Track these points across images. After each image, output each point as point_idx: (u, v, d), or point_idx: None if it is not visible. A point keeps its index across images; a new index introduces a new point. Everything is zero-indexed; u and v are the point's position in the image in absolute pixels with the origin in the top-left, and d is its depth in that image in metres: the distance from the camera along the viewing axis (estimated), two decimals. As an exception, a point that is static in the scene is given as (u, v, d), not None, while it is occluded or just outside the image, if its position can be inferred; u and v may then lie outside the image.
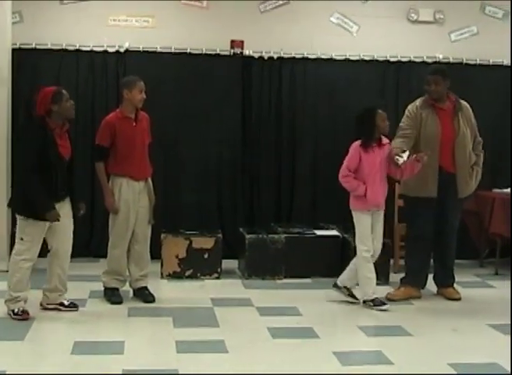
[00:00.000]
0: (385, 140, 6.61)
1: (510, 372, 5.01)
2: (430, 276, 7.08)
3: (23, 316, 5.92)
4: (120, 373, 4.85)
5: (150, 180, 6.66)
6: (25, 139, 5.99)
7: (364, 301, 6.63)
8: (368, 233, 6.56)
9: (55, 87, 6.14)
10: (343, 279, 6.77)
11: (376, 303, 6.57)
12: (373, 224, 6.60)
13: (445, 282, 7.03)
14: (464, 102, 6.85)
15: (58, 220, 5.86)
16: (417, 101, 6.88)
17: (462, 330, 6.01)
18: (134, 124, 6.51)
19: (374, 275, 6.60)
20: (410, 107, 6.90)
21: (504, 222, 7.89)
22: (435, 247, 6.97)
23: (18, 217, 5.97)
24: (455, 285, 7.06)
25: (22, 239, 5.93)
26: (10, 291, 5.98)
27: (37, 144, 5.82)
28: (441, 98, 6.75)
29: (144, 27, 8.38)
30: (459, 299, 6.92)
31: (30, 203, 5.83)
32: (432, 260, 7.11)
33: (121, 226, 6.49)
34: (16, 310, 5.93)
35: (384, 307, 6.54)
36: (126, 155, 6.42)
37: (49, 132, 5.88)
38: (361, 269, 6.59)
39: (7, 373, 4.79)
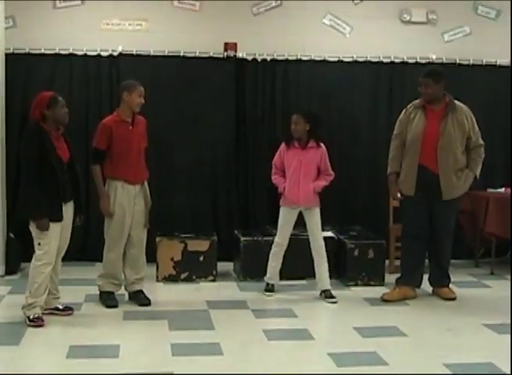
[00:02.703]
0: (311, 143, 6.89)
1: (506, 372, 5.01)
2: (425, 276, 7.10)
3: (37, 322, 5.91)
4: (115, 376, 4.86)
5: (146, 183, 6.66)
6: (24, 145, 5.98)
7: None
8: (284, 227, 6.96)
9: (51, 92, 6.15)
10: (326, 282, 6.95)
11: (269, 289, 7.09)
12: (305, 222, 6.94)
13: (440, 282, 7.04)
14: (460, 105, 6.82)
15: (47, 229, 5.85)
16: (412, 103, 6.92)
17: (457, 330, 6.02)
18: (131, 128, 6.51)
19: (274, 264, 7.05)
20: (403, 109, 6.96)
21: (499, 221, 7.89)
22: (430, 247, 6.99)
23: (31, 224, 5.92)
24: (450, 285, 7.07)
25: (39, 244, 5.92)
26: (28, 298, 5.95)
27: (36, 148, 5.82)
28: (433, 101, 6.75)
29: (137, 31, 8.38)
30: (454, 299, 6.93)
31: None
32: (427, 260, 7.13)
33: (116, 230, 6.49)
34: (31, 317, 5.92)
35: (271, 293, 7.04)
36: (122, 158, 6.42)
37: (46, 135, 5.89)
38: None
39: (2, 378, 4.80)
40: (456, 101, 6.82)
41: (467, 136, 6.77)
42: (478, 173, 6.87)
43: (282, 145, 6.99)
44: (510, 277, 7.73)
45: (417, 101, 6.89)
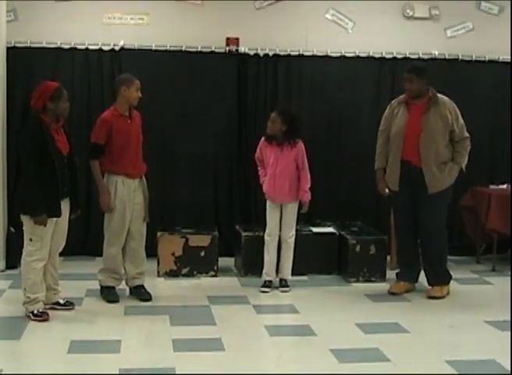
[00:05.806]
0: (287, 142, 6.96)
1: (509, 368, 5.00)
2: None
3: (43, 316, 5.91)
4: (117, 371, 4.84)
5: (144, 177, 6.64)
6: (23, 137, 5.93)
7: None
8: (270, 219, 7.03)
9: (56, 84, 6.08)
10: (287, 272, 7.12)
11: (265, 285, 7.04)
12: (281, 215, 7.03)
13: (430, 280, 6.96)
14: (443, 98, 6.78)
15: (45, 226, 5.82)
16: (396, 99, 6.95)
17: (459, 326, 6.01)
18: (129, 122, 6.49)
19: (268, 258, 7.06)
20: (388, 105, 7.01)
21: (501, 218, 7.88)
22: (420, 244, 6.96)
23: (23, 218, 5.89)
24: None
25: (31, 240, 5.88)
26: (27, 293, 5.93)
27: (35, 140, 5.78)
28: (417, 96, 6.74)
29: (138, 25, 8.35)
30: (440, 298, 6.83)
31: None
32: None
33: (117, 224, 6.47)
34: (35, 312, 5.91)
35: (266, 289, 7.00)
36: (122, 152, 6.40)
37: (45, 127, 5.85)
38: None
39: (3, 372, 4.78)
40: (439, 95, 6.79)
41: (451, 129, 6.73)
42: (464, 165, 6.81)
43: (262, 140, 7.09)
44: (510, 274, 7.70)
45: (401, 96, 6.90)
